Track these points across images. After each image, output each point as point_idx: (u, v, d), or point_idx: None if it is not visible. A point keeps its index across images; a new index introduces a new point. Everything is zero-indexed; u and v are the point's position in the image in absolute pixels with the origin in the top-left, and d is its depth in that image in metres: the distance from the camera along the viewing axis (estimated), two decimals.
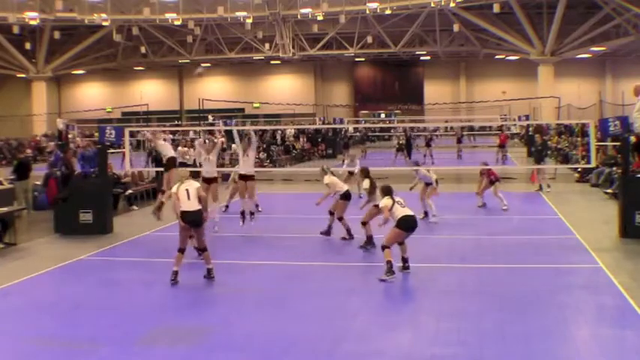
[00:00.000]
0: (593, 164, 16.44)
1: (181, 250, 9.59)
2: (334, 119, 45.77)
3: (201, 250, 9.81)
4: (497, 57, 51.87)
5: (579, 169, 21.97)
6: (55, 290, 10.17)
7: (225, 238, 13.55)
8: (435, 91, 55.98)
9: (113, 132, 15.34)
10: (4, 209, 13.39)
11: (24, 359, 7.09)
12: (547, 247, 12.15)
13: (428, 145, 31.56)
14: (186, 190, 9.61)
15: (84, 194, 14.15)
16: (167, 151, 13.44)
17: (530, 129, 33.33)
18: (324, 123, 44.67)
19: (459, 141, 34.32)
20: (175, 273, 9.56)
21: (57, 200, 14.62)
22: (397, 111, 54.89)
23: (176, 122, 50.29)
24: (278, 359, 6.98)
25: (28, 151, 18.82)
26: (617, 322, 7.93)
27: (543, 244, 12.24)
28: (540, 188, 19.42)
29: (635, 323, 7.80)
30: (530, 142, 31.28)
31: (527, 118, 42.13)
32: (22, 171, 17.22)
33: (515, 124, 38.01)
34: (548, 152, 25.81)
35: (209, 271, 9.75)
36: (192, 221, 9.54)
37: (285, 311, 8.50)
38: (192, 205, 9.55)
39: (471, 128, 40.28)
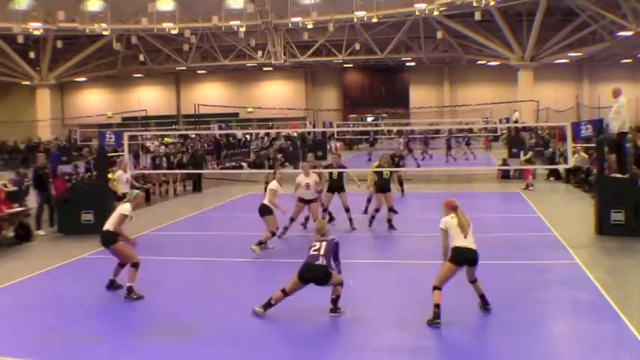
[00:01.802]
0: (570, 164, 17.18)
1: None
2: (324, 123, 46.78)
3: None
4: (479, 62, 52.59)
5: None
6: (57, 288, 10.26)
7: (222, 237, 14.02)
8: (420, 95, 56.65)
9: (113, 136, 15.99)
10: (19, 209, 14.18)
11: (28, 354, 7.14)
12: (526, 244, 12.24)
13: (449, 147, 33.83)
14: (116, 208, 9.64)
15: (85, 195, 14.47)
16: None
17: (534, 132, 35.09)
18: (314, 127, 45.99)
19: (449, 146, 34.96)
20: (130, 288, 9.24)
21: (59, 201, 14.93)
22: (384, 115, 55.68)
23: (173, 126, 51.56)
24: (272, 353, 7.11)
25: (42, 155, 18.33)
26: (593, 317, 8.07)
27: (522, 242, 12.34)
28: (527, 187, 20.70)
29: (610, 317, 7.87)
30: (519, 143, 33.10)
31: (507, 120, 43.56)
32: (41, 182, 15.59)
33: (456, 130, 39.46)
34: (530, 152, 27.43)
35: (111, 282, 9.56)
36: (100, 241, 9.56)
37: (278, 307, 8.39)
38: (106, 224, 9.50)
39: (437, 131, 41.29)
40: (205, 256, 12.41)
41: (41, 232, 14.82)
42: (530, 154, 26.30)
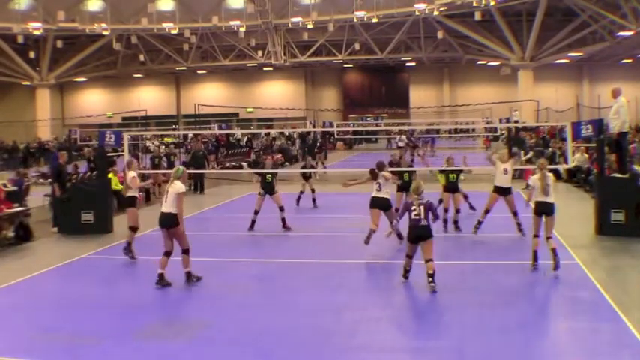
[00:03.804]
0: (570, 165, 17.30)
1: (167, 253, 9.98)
2: (324, 123, 46.99)
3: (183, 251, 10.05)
4: (479, 62, 52.68)
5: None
6: (58, 287, 10.43)
7: (222, 237, 14.07)
8: (420, 95, 56.68)
9: (113, 136, 15.80)
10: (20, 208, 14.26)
11: (28, 354, 7.21)
12: (525, 243, 12.01)
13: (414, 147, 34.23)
14: (167, 191, 10.00)
15: (85, 195, 14.56)
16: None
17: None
18: (314, 127, 46.25)
19: (415, 145, 35.48)
20: (161, 275, 9.87)
21: (60, 200, 14.95)
22: (384, 115, 55.67)
23: (173, 127, 51.46)
24: (271, 352, 7.17)
25: (63, 153, 17.85)
26: (593, 316, 8.13)
27: (522, 242, 12.29)
28: (527, 187, 20.87)
29: (610, 317, 7.95)
30: (519, 143, 33.34)
31: (507, 120, 43.66)
32: (60, 178, 15.60)
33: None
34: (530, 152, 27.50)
35: (160, 275, 9.88)
36: (160, 223, 10.08)
37: (276, 307, 8.70)
38: (166, 208, 9.91)
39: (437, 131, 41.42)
40: (205, 256, 12.27)
41: (55, 230, 14.86)
42: (530, 154, 26.28)
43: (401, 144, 34.28)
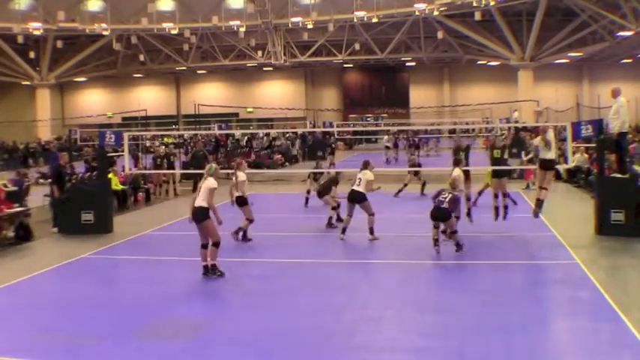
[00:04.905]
0: (570, 165, 17.30)
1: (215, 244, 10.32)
2: (324, 123, 47.04)
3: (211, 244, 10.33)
4: (479, 62, 52.68)
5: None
6: (58, 287, 10.47)
7: (221, 237, 14.35)
8: (420, 95, 56.72)
9: (113, 136, 15.83)
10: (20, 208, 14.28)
11: (28, 354, 7.21)
12: (526, 243, 12.53)
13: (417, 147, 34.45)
14: (200, 187, 10.31)
15: (85, 195, 14.58)
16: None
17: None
18: (314, 126, 46.36)
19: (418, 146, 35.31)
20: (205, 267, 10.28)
21: (59, 201, 15.00)
22: (384, 115, 55.71)
23: (173, 126, 51.45)
24: (271, 352, 7.15)
25: (64, 154, 18.08)
26: (593, 316, 8.15)
27: (523, 241, 12.51)
28: (528, 186, 20.75)
29: (610, 317, 7.98)
30: (520, 143, 33.39)
31: (507, 120, 43.69)
32: (60, 179, 15.61)
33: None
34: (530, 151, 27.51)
35: (205, 268, 10.27)
36: (192, 217, 10.32)
37: (276, 306, 8.73)
38: (198, 203, 10.15)
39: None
40: None
41: (55, 230, 14.86)
42: (531, 154, 26.28)
43: (388, 144, 34.45)
